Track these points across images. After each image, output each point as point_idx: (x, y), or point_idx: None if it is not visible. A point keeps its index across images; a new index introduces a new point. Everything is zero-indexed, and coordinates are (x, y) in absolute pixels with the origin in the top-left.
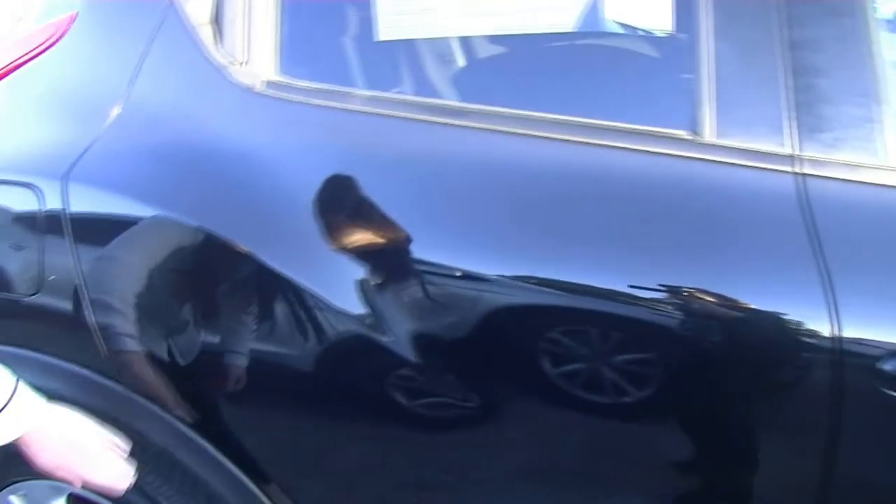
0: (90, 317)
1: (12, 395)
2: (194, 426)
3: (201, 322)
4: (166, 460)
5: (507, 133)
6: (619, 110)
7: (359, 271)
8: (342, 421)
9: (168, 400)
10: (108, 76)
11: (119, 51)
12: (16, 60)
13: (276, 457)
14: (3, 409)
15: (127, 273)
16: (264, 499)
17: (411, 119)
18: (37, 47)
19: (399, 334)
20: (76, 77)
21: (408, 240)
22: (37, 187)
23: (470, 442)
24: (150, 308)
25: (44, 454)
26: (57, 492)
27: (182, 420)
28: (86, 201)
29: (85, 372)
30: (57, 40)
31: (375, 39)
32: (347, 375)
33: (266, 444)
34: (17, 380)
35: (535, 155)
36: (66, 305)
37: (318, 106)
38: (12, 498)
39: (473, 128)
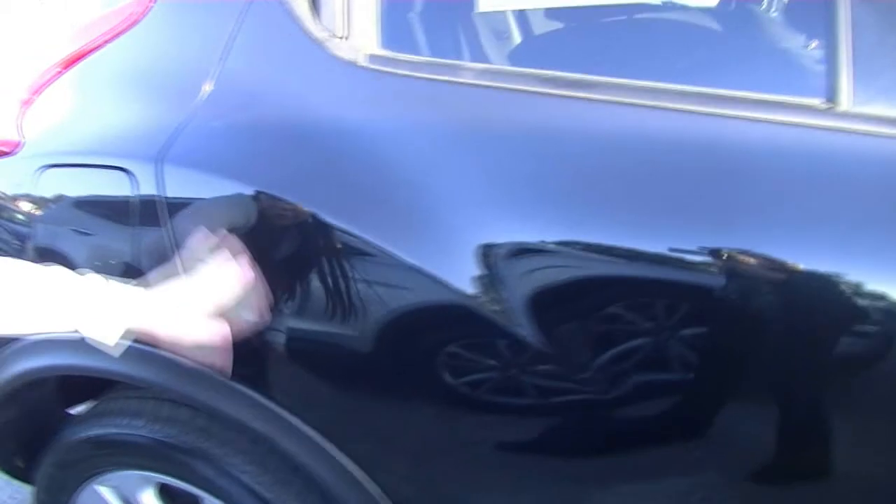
0: None
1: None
2: (297, 413)
3: (303, 304)
4: (263, 448)
5: (633, 105)
6: (751, 79)
7: (473, 250)
8: (448, 407)
9: (271, 386)
10: (198, 53)
11: (207, 28)
12: (92, 43)
13: (381, 446)
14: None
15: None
16: (369, 485)
17: (527, 92)
18: (114, 28)
19: (519, 316)
20: (163, 56)
21: (523, 217)
22: (129, 171)
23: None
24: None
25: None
26: (146, 481)
27: (286, 407)
28: (182, 183)
29: (179, 359)
30: (137, 20)
31: (476, 11)
32: (460, 360)
33: (372, 431)
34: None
35: (662, 127)
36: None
37: (427, 79)
38: (101, 488)
39: (597, 100)
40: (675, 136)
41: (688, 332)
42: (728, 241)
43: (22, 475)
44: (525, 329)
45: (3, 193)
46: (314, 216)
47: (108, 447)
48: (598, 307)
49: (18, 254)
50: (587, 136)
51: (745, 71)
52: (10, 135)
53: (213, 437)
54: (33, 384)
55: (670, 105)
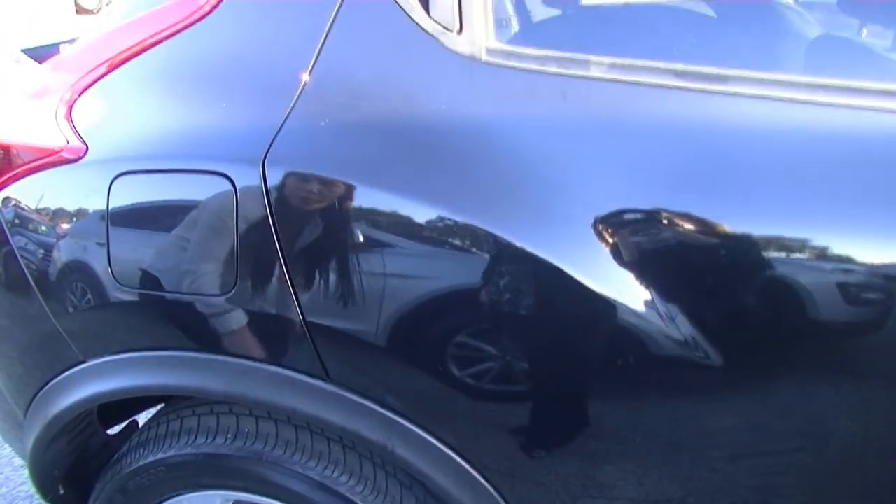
0: (298, 315)
1: None
2: (418, 422)
3: (434, 309)
4: (373, 461)
5: (767, 98)
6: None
7: (609, 246)
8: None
9: (395, 396)
10: (290, 47)
11: (298, 18)
12: (148, 38)
13: (510, 458)
14: None
15: (341, 262)
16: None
17: (662, 86)
18: (177, 22)
19: (663, 313)
20: (247, 50)
21: (665, 214)
22: (228, 175)
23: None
24: (362, 296)
25: None
26: (223, 500)
27: (407, 417)
28: (288, 187)
29: (288, 373)
30: (207, 13)
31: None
32: (598, 359)
33: (501, 443)
34: None
35: (814, 120)
36: (269, 304)
37: (556, 74)
38: None
39: (731, 93)
40: (826, 128)
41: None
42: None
43: (63, 503)
44: (668, 326)
45: (66, 207)
46: (442, 219)
47: (173, 470)
48: (737, 302)
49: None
50: (722, 130)
51: (877, 63)
52: (70, 139)
53: (304, 449)
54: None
55: (818, 98)
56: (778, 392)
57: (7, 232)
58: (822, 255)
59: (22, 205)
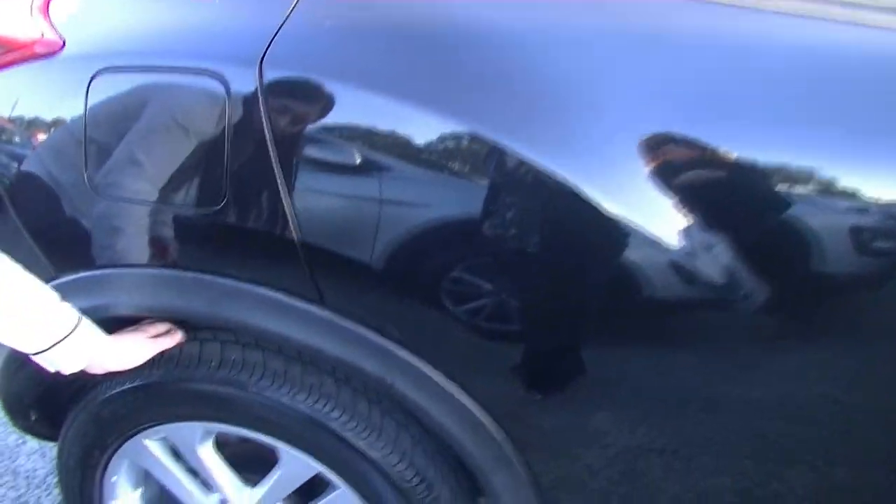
0: (294, 232)
1: (74, 329)
2: (420, 354)
3: (441, 234)
4: (367, 397)
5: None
6: None
7: (649, 169)
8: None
9: (396, 326)
10: None
11: None
12: None
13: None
14: (63, 339)
15: (342, 178)
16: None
17: None
18: None
19: (700, 241)
20: None
21: (708, 132)
22: (221, 75)
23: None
24: (365, 215)
25: (95, 372)
26: (206, 433)
27: (408, 348)
28: (287, 91)
29: (278, 296)
30: None
31: None
32: (612, 295)
33: (506, 381)
34: (80, 317)
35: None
36: (261, 220)
37: None
38: (147, 443)
39: (782, 11)
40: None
41: None
42: None
43: (37, 431)
44: (699, 262)
45: (38, 109)
46: (459, 135)
47: (151, 400)
48: (773, 239)
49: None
50: (764, 48)
51: None
52: (46, 32)
53: (294, 381)
54: None
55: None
56: (811, 343)
57: None
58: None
59: None
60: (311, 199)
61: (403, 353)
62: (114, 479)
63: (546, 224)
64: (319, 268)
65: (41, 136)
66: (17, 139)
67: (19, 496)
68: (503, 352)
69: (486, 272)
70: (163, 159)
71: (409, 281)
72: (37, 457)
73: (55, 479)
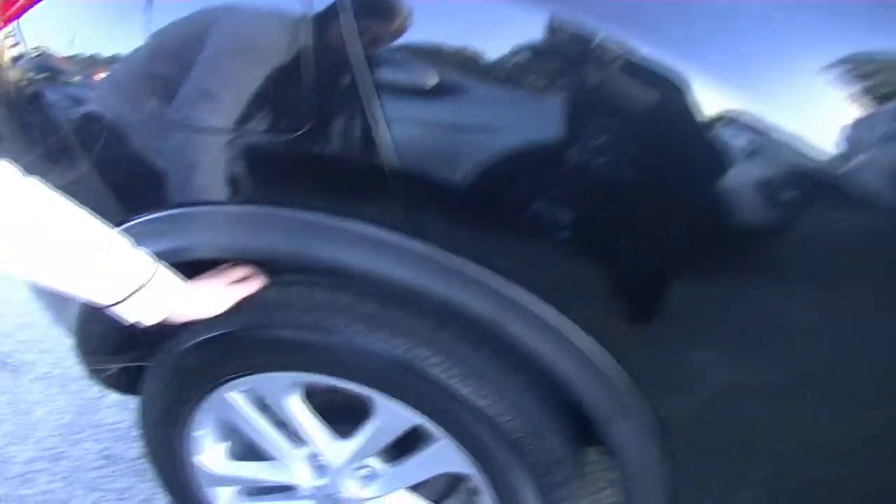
0: (390, 159)
1: (152, 277)
2: (538, 291)
3: (555, 155)
4: (470, 341)
5: None
6: None
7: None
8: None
9: (508, 259)
10: None
11: None
12: None
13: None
14: (141, 288)
15: (445, 94)
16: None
17: None
18: None
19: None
20: None
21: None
22: None
23: None
24: (469, 139)
25: (175, 322)
26: (293, 384)
27: (523, 284)
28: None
29: (374, 230)
30: None
31: None
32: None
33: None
34: (158, 263)
35: None
36: (352, 145)
37: None
38: (231, 395)
39: None
40: None
41: None
42: None
43: (117, 385)
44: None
45: (96, 34)
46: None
47: (233, 350)
48: None
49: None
50: None
51: None
52: None
53: (390, 325)
54: None
55: None
56: None
57: (39, 87)
58: None
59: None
60: (409, 123)
61: (516, 291)
62: (198, 433)
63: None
64: (420, 198)
65: (103, 73)
66: (78, 78)
67: (103, 449)
68: (630, 286)
69: (607, 195)
70: (236, 85)
71: (521, 208)
72: (119, 409)
73: (137, 432)
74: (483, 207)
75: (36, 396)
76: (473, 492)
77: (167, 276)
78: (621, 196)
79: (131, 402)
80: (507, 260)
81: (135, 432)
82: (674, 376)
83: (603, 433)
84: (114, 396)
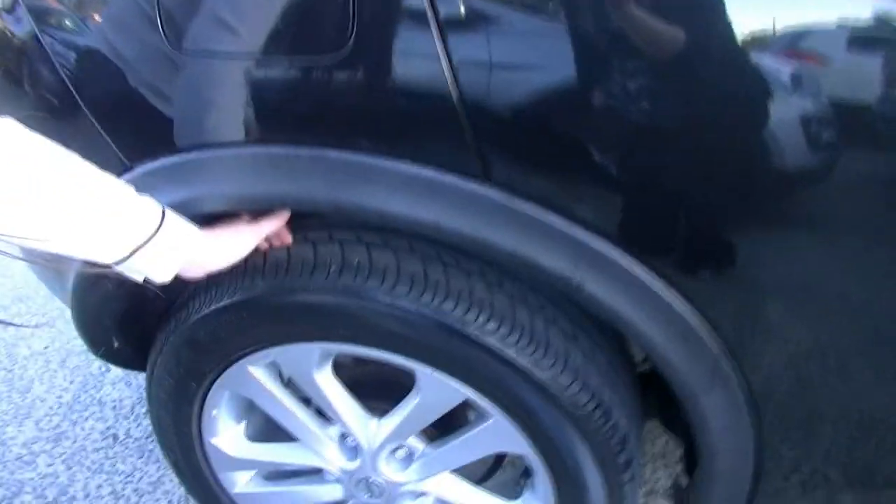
0: (451, 88)
1: (161, 225)
2: (621, 243)
3: (637, 88)
4: (527, 304)
5: None
6: None
7: None
8: None
9: (589, 207)
10: None
11: None
12: None
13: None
14: (149, 240)
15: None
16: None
17: None
18: None
19: None
20: None
21: None
22: None
23: None
24: (547, 66)
25: (193, 276)
26: (323, 359)
27: (604, 236)
28: None
29: (428, 172)
30: None
31: None
32: None
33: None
34: (165, 209)
35: None
36: (403, 68)
37: None
38: (252, 370)
39: None
40: None
41: None
42: None
43: (121, 359)
44: None
45: None
46: None
47: (253, 324)
48: None
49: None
50: None
51: None
52: None
53: (437, 286)
54: None
55: None
56: None
57: (37, 33)
58: None
59: None
60: (476, 45)
61: (599, 243)
62: (213, 412)
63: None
64: (486, 134)
65: (99, 10)
66: (70, 21)
67: (107, 428)
68: (728, 241)
69: (707, 136)
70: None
71: (607, 148)
72: (122, 385)
73: (144, 409)
74: (563, 147)
75: (33, 373)
76: (523, 472)
77: (177, 223)
78: (723, 136)
79: (137, 378)
80: (590, 207)
81: (141, 409)
82: (770, 343)
83: (689, 406)
84: (117, 372)
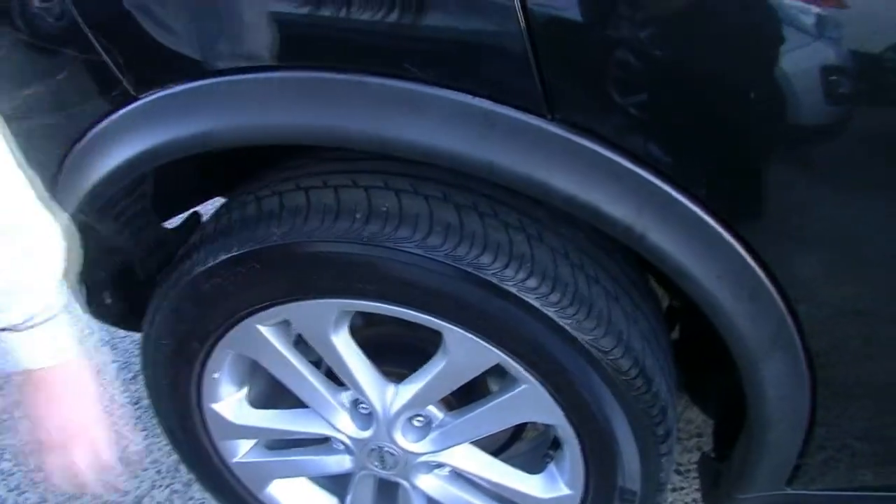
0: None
1: (53, 317)
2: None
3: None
4: (570, 261)
5: None
6: None
7: None
8: None
9: (661, 147)
10: None
11: None
12: None
13: None
14: (32, 325)
15: None
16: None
17: None
18: None
19: None
20: None
21: None
22: None
23: None
24: None
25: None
26: (341, 318)
27: (673, 182)
28: None
29: (484, 104)
30: None
31: None
32: None
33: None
34: (67, 304)
35: None
36: None
37: None
38: (261, 329)
39: None
40: None
41: None
42: None
43: (113, 317)
44: None
45: None
46: None
47: (283, 265)
48: None
49: None
50: None
51: None
52: None
53: (474, 238)
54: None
55: None
56: None
57: None
58: None
59: None
60: None
61: (666, 189)
62: (215, 375)
63: None
64: (552, 63)
65: None
66: None
67: None
68: (798, 193)
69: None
70: None
71: (682, 81)
72: (106, 349)
73: (130, 375)
74: (635, 81)
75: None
76: (547, 443)
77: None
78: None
79: (123, 341)
80: (661, 149)
81: (127, 375)
82: (834, 306)
83: (748, 373)
84: (101, 335)
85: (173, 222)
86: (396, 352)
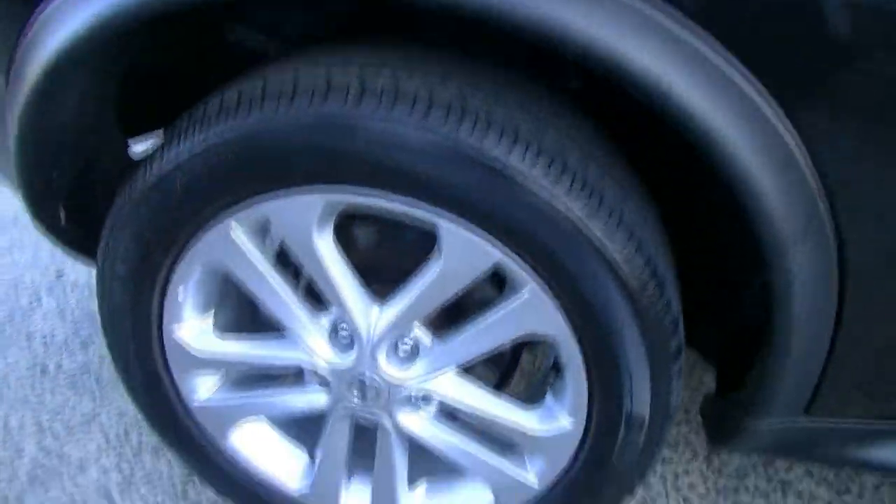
0: None
1: None
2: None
3: None
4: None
5: None
6: None
7: None
8: None
9: None
10: None
11: None
12: None
13: None
14: None
15: None
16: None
17: None
18: None
19: None
20: None
21: None
22: None
23: None
24: None
25: None
26: (328, 213)
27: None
28: None
29: None
30: None
31: None
32: None
33: None
34: None
35: None
36: None
37: None
38: (235, 231)
39: None
40: None
41: None
42: None
43: (68, 240)
44: None
45: None
46: None
47: (263, 152)
48: None
49: None
50: None
51: None
52: None
53: (491, 120)
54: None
55: None
56: None
57: None
58: None
59: None
60: None
61: (696, 40)
62: (180, 291)
63: None
64: None
65: None
66: None
67: (35, 362)
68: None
69: None
70: None
71: None
72: (56, 318)
73: (79, 342)
74: None
75: None
76: (546, 371)
77: None
78: None
79: (73, 312)
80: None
81: (76, 343)
82: (872, 189)
83: (776, 262)
84: (49, 304)
85: (138, 149)
86: (382, 272)
